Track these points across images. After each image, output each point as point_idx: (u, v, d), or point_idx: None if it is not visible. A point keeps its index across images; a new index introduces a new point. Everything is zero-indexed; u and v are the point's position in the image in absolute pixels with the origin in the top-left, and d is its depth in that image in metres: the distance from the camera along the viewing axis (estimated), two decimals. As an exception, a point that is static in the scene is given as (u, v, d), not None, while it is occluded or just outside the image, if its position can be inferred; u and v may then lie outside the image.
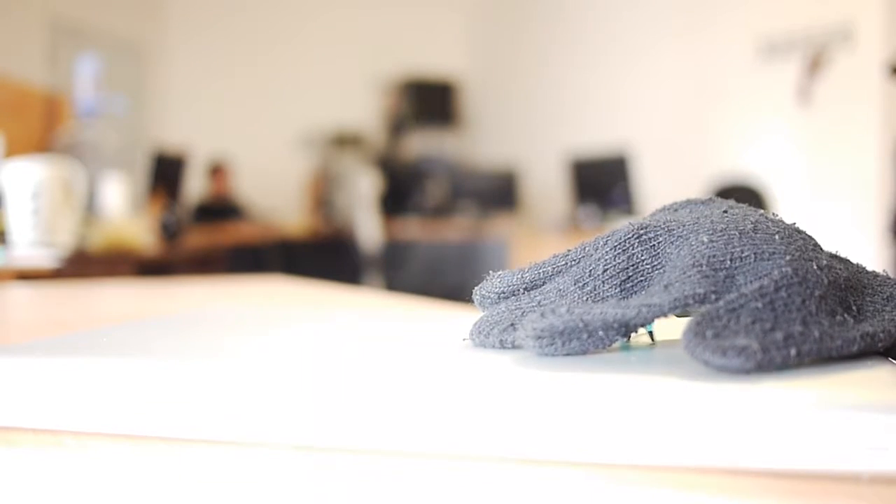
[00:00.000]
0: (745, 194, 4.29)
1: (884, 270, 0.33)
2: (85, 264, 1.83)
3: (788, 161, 4.18)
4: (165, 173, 3.47)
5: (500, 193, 5.58)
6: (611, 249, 0.32)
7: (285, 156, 6.07)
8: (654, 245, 0.31)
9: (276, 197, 5.79)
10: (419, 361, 0.30)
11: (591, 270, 0.32)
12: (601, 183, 4.23)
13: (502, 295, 0.35)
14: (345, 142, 5.96)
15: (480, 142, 6.43)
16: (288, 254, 4.45)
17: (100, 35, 5.37)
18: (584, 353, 0.29)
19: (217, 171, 5.12)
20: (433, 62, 6.39)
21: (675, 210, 0.36)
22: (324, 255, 4.73)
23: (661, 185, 4.65)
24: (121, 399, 0.27)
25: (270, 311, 0.49)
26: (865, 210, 3.77)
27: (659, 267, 0.31)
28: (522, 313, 0.32)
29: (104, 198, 2.41)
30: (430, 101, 6.27)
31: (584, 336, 0.29)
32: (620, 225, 0.34)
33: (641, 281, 0.31)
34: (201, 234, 3.53)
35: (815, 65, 4.00)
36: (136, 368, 0.28)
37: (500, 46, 6.41)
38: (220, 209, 4.83)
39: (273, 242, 4.40)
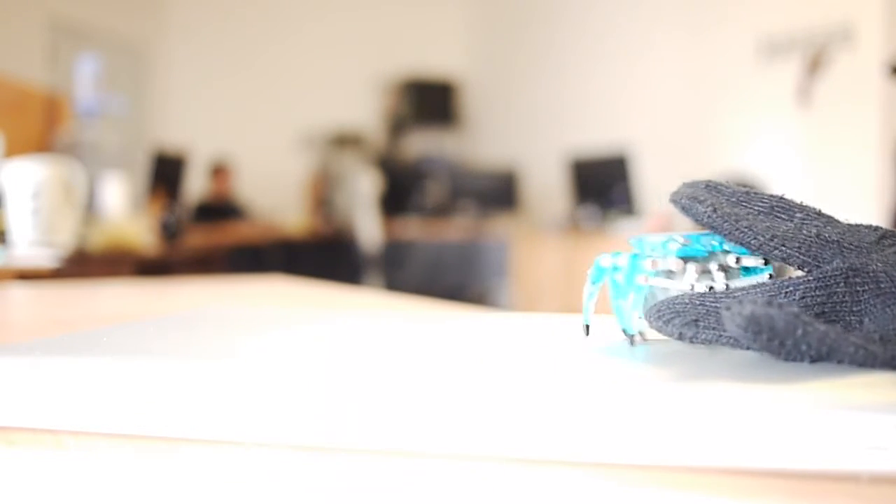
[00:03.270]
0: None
1: None
2: (85, 264, 1.83)
3: (788, 161, 4.18)
4: (165, 173, 3.47)
5: (500, 193, 5.58)
6: (814, 280, 0.31)
7: (285, 156, 6.07)
8: (858, 292, 0.31)
9: (276, 197, 5.79)
10: (418, 361, 0.30)
11: (786, 292, 0.32)
12: (601, 183, 4.23)
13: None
14: (345, 142, 5.96)
15: (480, 142, 6.44)
16: (288, 254, 4.45)
17: (100, 35, 5.38)
18: (771, 353, 0.29)
19: (218, 172, 5.12)
20: (433, 62, 6.39)
21: (885, 246, 0.34)
22: (324, 255, 4.73)
23: (661, 185, 4.64)
24: (121, 399, 0.27)
25: (270, 311, 0.49)
26: (865, 210, 3.77)
27: (858, 313, 0.31)
28: (707, 311, 0.32)
29: (104, 198, 2.41)
30: (430, 101, 6.28)
31: (789, 341, 0.28)
32: (832, 255, 0.33)
33: (834, 321, 0.31)
34: (201, 234, 3.53)
35: (815, 65, 4.00)
36: (136, 368, 0.28)
37: (500, 46, 6.41)
38: (220, 209, 4.83)
39: (273, 242, 4.40)
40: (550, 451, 0.24)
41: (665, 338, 0.34)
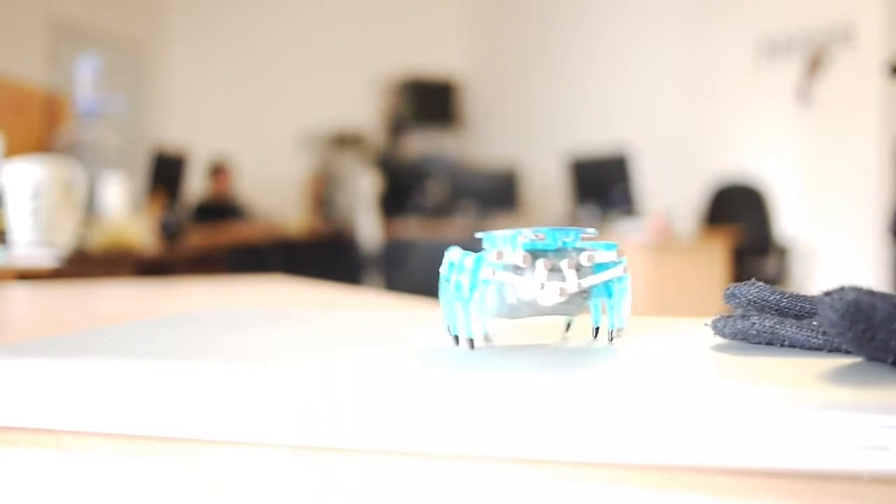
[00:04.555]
0: (745, 194, 4.29)
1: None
2: (85, 264, 1.83)
3: (788, 161, 4.18)
4: (165, 173, 3.47)
5: (500, 193, 5.58)
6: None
7: (285, 156, 6.07)
8: None
9: (276, 197, 5.80)
10: (418, 361, 0.30)
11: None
12: (601, 183, 4.23)
13: (754, 303, 0.34)
14: (345, 142, 5.96)
15: (480, 142, 6.44)
16: (288, 254, 4.45)
17: (100, 35, 5.38)
18: (857, 348, 0.28)
19: (219, 172, 5.12)
20: (433, 62, 6.39)
21: None
22: (324, 255, 4.73)
23: (661, 185, 4.65)
24: (121, 399, 0.27)
25: (270, 311, 0.49)
26: (865, 210, 3.77)
27: None
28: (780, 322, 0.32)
29: (104, 198, 2.40)
30: (430, 101, 6.28)
31: (882, 334, 0.27)
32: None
33: None
34: (201, 234, 3.53)
35: (815, 65, 4.00)
36: (136, 368, 0.28)
37: (500, 46, 6.41)
38: (220, 209, 4.83)
39: (273, 242, 4.40)
40: (551, 451, 0.24)
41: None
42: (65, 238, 1.78)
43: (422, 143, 6.28)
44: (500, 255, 0.30)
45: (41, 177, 1.72)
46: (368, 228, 4.53)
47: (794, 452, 0.23)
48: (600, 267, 0.33)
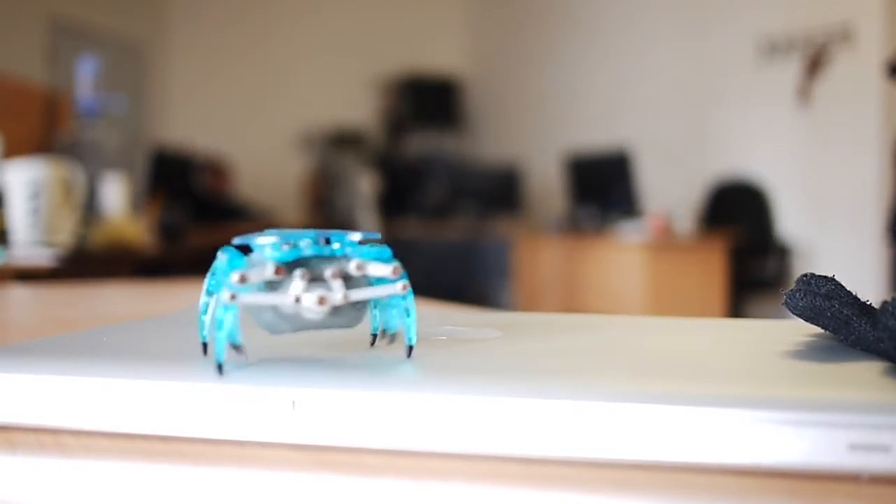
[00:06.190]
0: (745, 194, 4.30)
1: None
2: (85, 264, 1.83)
3: (788, 161, 4.18)
4: (165, 173, 3.48)
5: (501, 193, 5.58)
6: None
7: (285, 155, 6.08)
8: None
9: (275, 196, 5.80)
10: (415, 361, 0.30)
11: None
12: (601, 183, 4.23)
13: (824, 297, 0.33)
14: (344, 142, 5.96)
15: (481, 141, 6.44)
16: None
17: (100, 35, 5.38)
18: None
19: (219, 172, 5.12)
20: (433, 61, 6.40)
21: None
22: (324, 255, 4.74)
23: (661, 185, 4.65)
24: (121, 399, 0.27)
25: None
26: (865, 210, 3.77)
27: None
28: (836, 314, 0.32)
29: (104, 198, 2.41)
30: (431, 101, 6.28)
31: None
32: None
33: None
34: (201, 234, 3.53)
35: (815, 65, 4.01)
36: (137, 368, 0.28)
37: (500, 46, 6.42)
38: (220, 209, 4.83)
39: (273, 242, 4.40)
40: (551, 450, 0.24)
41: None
42: (65, 238, 1.78)
43: (422, 143, 6.28)
44: (242, 277, 0.26)
45: (41, 177, 1.72)
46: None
47: (794, 452, 0.23)
48: (380, 281, 0.29)
